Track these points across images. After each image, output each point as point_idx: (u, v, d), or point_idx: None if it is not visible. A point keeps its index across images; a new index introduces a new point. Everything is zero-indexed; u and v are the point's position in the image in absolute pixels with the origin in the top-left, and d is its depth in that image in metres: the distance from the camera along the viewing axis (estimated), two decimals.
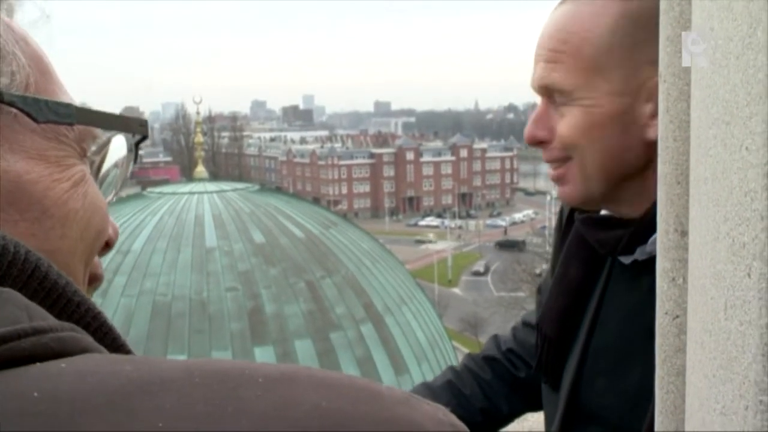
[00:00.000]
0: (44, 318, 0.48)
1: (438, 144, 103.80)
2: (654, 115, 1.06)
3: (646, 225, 1.09)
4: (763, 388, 0.55)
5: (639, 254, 1.14)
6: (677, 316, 0.85)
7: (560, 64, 1.12)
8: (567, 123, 1.13)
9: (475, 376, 1.55)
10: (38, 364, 0.43)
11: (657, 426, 0.89)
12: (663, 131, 0.88)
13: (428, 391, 1.57)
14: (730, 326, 0.60)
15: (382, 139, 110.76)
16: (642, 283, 1.14)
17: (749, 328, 0.56)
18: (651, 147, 1.07)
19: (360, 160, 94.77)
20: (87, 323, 0.53)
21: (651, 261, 1.07)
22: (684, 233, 0.83)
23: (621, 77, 1.09)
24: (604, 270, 1.21)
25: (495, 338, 1.64)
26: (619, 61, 1.09)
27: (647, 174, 1.12)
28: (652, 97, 1.06)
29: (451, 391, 1.54)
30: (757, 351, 0.55)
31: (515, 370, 1.55)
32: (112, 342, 0.54)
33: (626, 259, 1.16)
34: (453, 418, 0.45)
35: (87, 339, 0.49)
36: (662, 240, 0.88)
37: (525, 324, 1.57)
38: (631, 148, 1.11)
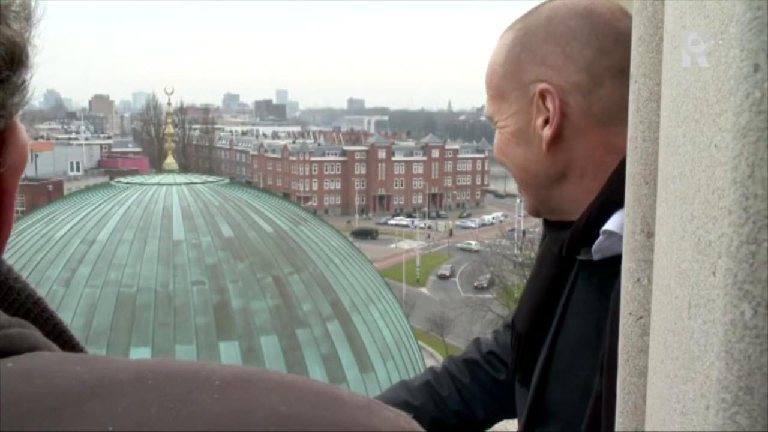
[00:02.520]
0: None
1: (410, 143, 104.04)
2: (543, 125, 1.18)
3: (583, 228, 1.16)
4: (725, 386, 0.54)
5: (584, 254, 1.18)
6: (641, 317, 0.85)
7: (486, 95, 1.27)
8: (494, 146, 1.30)
9: (453, 378, 1.57)
10: None
11: (617, 426, 0.89)
12: (632, 131, 0.88)
13: (406, 390, 1.58)
14: (694, 325, 0.60)
15: (354, 137, 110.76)
16: (593, 283, 1.19)
17: (713, 327, 0.56)
18: (559, 156, 1.19)
19: (332, 157, 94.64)
20: (28, 309, 0.51)
21: (603, 262, 1.14)
22: (650, 234, 0.83)
23: (515, 98, 1.22)
24: (573, 269, 1.23)
25: (476, 341, 1.66)
26: (512, 85, 1.22)
27: (572, 181, 1.20)
28: (541, 110, 1.18)
29: (428, 392, 1.56)
30: (720, 349, 0.55)
31: (495, 373, 1.57)
32: (53, 328, 0.52)
33: (585, 255, 1.19)
34: (415, 425, 0.44)
35: (36, 335, 0.47)
36: (628, 241, 0.88)
37: (506, 326, 1.59)
38: (539, 161, 1.20)
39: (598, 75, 1.15)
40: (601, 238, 1.12)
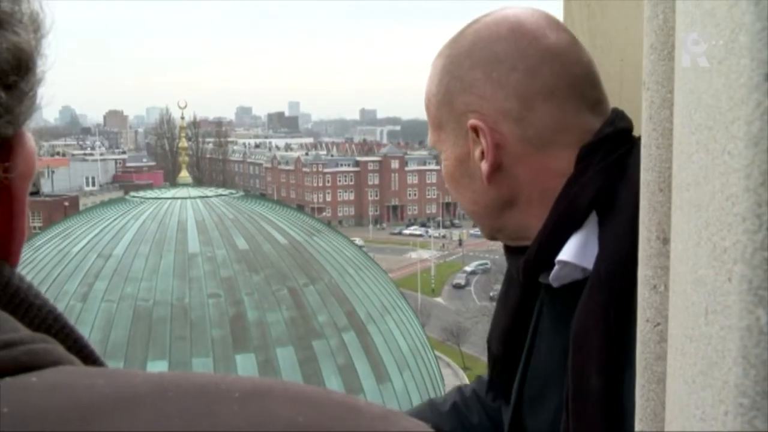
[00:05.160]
0: (15, 329, 0.47)
1: (423, 153, 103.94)
2: (483, 155, 1.12)
3: (535, 256, 1.12)
4: (743, 391, 0.55)
5: (543, 279, 1.15)
6: (658, 324, 0.85)
7: (428, 123, 1.23)
8: (444, 176, 1.24)
9: (483, 404, 1.52)
10: (8, 378, 0.42)
11: None
12: (646, 139, 0.88)
13: (435, 413, 1.52)
14: (711, 331, 0.60)
15: (367, 147, 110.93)
16: (557, 310, 1.16)
17: (730, 333, 0.56)
18: (503, 186, 1.13)
19: (345, 168, 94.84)
20: (48, 325, 0.52)
21: (564, 289, 1.11)
22: (666, 241, 0.83)
23: (452, 129, 1.16)
24: (541, 291, 1.21)
25: None
26: (447, 115, 1.17)
27: (521, 208, 1.14)
28: (477, 142, 1.12)
29: (457, 417, 1.51)
30: (737, 354, 0.55)
31: None
32: (74, 343, 0.53)
33: (544, 279, 1.15)
34: None
35: (59, 350, 0.47)
36: (644, 248, 0.88)
37: None
38: (484, 192, 1.15)
39: (527, 99, 1.10)
40: (556, 267, 1.09)
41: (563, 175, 1.09)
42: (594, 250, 1.05)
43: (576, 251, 1.07)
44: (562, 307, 1.12)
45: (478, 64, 1.12)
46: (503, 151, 1.11)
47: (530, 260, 1.13)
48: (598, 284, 1.03)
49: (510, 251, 1.22)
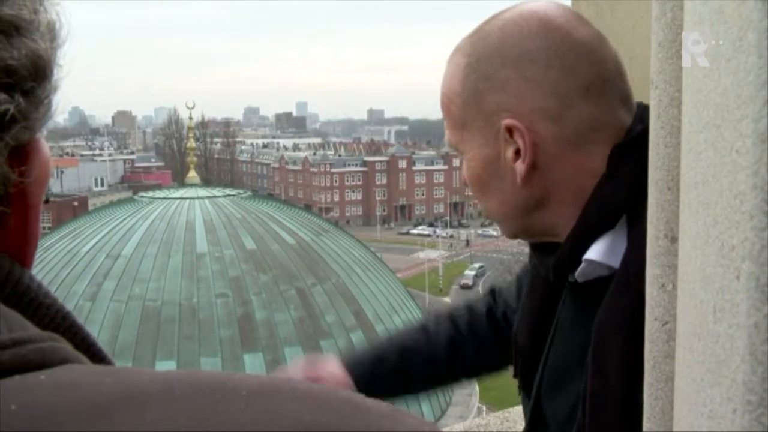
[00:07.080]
0: (24, 328, 0.48)
1: (430, 153, 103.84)
2: (516, 155, 1.10)
3: (567, 257, 1.11)
4: (751, 388, 0.55)
5: (570, 278, 1.15)
6: (666, 322, 0.85)
7: (445, 123, 1.20)
8: (464, 174, 1.22)
9: (478, 335, 1.57)
10: (17, 376, 0.42)
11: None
12: (654, 137, 0.88)
13: (431, 345, 1.56)
14: (719, 329, 0.60)
15: (374, 147, 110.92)
16: (579, 304, 1.16)
17: (738, 331, 0.57)
18: (535, 185, 1.11)
19: (352, 168, 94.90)
20: (57, 324, 0.52)
21: (587, 284, 1.11)
22: (674, 239, 0.83)
23: (479, 129, 1.13)
24: (565, 288, 1.21)
25: (492, 292, 1.62)
26: (474, 114, 1.13)
27: (552, 207, 1.13)
28: (509, 142, 1.10)
29: (453, 352, 1.56)
30: (745, 352, 0.55)
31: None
32: (81, 342, 0.53)
33: (571, 278, 1.16)
34: (437, 431, 0.45)
35: (67, 348, 0.48)
36: (652, 246, 0.88)
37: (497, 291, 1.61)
38: (515, 193, 1.13)
39: (566, 97, 1.08)
40: (583, 265, 1.09)
41: (597, 174, 1.08)
42: (621, 248, 1.05)
43: (604, 250, 1.07)
44: (585, 301, 1.13)
45: (510, 62, 1.10)
46: (540, 150, 1.09)
47: (562, 260, 1.13)
48: (625, 285, 1.03)
49: (536, 249, 1.22)
